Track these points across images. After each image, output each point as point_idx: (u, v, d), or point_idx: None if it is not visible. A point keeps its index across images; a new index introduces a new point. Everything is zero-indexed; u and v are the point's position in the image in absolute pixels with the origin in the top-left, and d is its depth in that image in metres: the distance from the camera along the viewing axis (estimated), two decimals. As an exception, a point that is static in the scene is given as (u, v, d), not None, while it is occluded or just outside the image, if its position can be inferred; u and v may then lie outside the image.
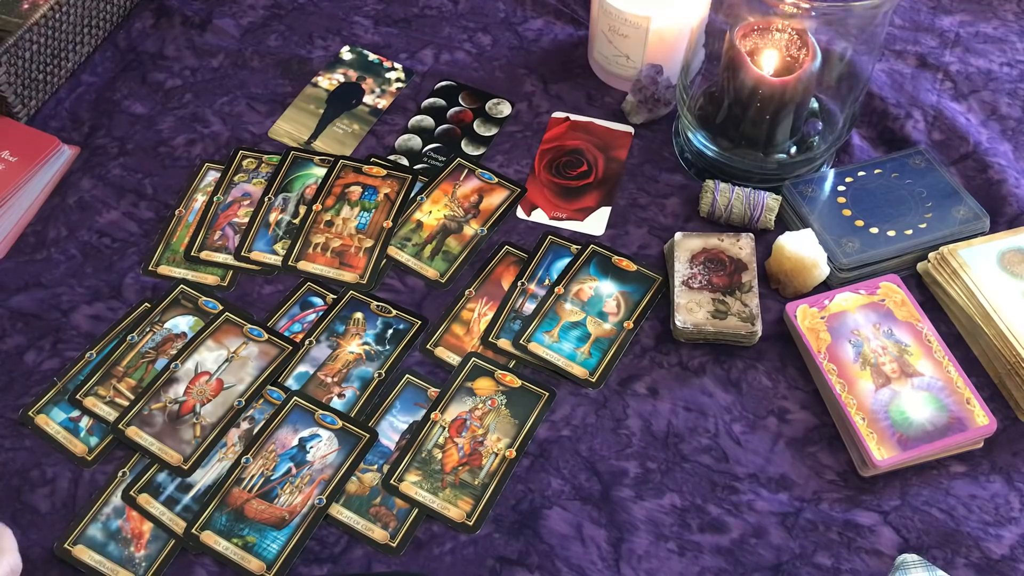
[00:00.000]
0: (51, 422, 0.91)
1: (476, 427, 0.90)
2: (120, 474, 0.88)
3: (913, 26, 1.23)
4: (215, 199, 1.06)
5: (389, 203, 1.05)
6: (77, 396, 0.91)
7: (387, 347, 0.96)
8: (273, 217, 1.04)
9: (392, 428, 0.91)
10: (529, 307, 0.98)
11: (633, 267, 1.00)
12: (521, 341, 0.95)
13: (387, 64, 1.19)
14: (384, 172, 1.08)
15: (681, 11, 1.06)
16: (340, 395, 0.93)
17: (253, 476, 0.87)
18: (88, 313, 0.97)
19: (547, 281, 1.00)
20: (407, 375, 0.94)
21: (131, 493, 0.86)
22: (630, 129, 1.12)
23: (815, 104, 1.05)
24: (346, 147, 1.11)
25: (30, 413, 0.91)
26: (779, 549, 0.84)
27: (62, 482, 0.87)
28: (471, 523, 0.85)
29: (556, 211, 1.05)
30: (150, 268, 1.01)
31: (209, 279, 1.00)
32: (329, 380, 0.94)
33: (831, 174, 1.04)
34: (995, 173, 1.07)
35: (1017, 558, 0.84)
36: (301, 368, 0.94)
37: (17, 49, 1.06)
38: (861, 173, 1.04)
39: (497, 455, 0.89)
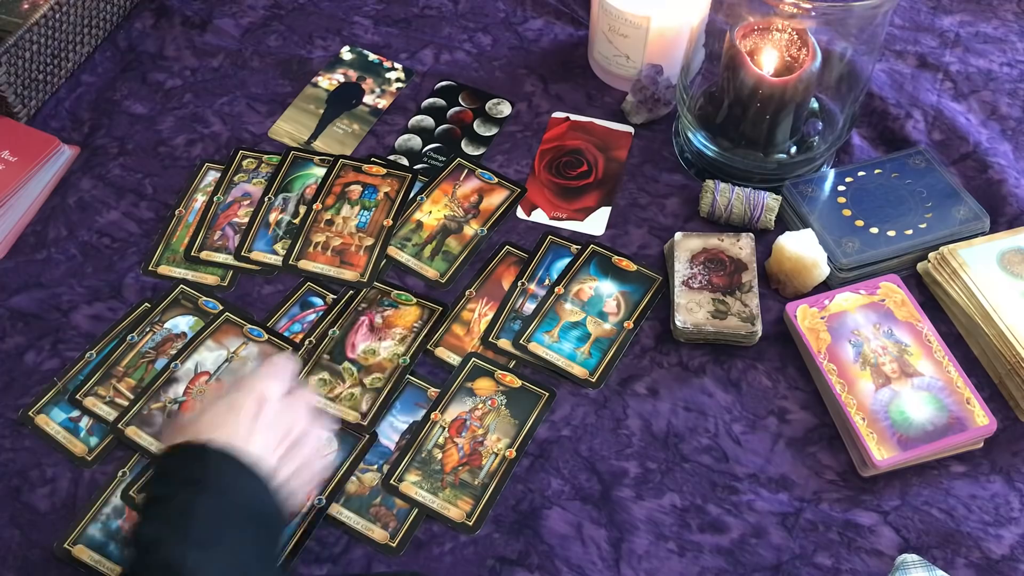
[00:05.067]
0: (51, 422, 0.90)
1: (476, 427, 0.90)
2: (120, 474, 0.87)
3: (913, 26, 1.23)
4: (215, 199, 1.06)
5: (389, 201, 1.05)
6: (77, 396, 0.91)
7: (387, 347, 0.96)
8: (273, 217, 1.04)
9: (392, 428, 0.91)
10: (529, 307, 0.98)
11: (633, 267, 1.00)
12: (521, 341, 0.95)
13: (387, 64, 1.19)
14: (384, 171, 1.08)
15: (681, 11, 1.06)
16: (340, 395, 0.93)
17: (253, 476, 0.87)
18: (88, 313, 0.97)
19: (547, 281, 1.00)
20: (407, 375, 0.94)
21: (131, 493, 0.86)
22: (630, 129, 1.12)
23: (815, 104, 1.05)
24: (346, 147, 1.11)
25: (30, 413, 0.91)
26: (779, 549, 0.84)
27: (62, 482, 0.87)
28: (471, 523, 0.85)
29: (556, 211, 1.05)
30: (150, 268, 1.01)
31: (209, 279, 1.00)
32: (329, 380, 0.94)
33: (831, 174, 1.04)
34: (995, 173, 1.07)
35: (1017, 558, 0.84)
36: (301, 368, 0.94)
37: (17, 49, 1.06)
38: (861, 173, 1.04)
39: (497, 455, 0.89)
